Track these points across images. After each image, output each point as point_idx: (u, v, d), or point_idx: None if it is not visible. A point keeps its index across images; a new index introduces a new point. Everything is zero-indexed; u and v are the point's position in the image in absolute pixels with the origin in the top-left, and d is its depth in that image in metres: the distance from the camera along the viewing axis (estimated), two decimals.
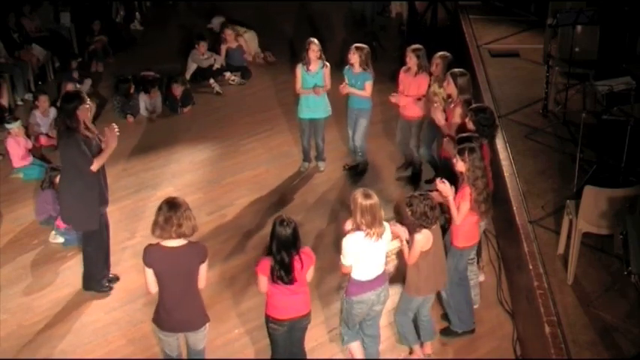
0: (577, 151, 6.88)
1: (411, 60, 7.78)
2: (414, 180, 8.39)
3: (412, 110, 7.92)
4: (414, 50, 7.79)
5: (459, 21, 12.07)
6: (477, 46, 10.89)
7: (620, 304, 5.61)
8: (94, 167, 6.21)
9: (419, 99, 7.79)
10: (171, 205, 4.87)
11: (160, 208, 4.88)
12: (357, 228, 5.16)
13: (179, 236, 4.87)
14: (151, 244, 4.95)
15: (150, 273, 4.95)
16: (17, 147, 8.81)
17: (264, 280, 5.10)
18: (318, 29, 12.86)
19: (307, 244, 7.03)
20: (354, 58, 8.00)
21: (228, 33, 11.54)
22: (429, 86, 7.72)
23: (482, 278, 6.69)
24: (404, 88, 7.92)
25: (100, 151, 6.28)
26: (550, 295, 5.67)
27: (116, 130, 6.33)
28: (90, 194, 6.32)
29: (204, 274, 5.04)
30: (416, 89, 7.80)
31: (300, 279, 5.10)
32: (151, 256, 4.91)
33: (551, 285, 5.80)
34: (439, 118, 6.86)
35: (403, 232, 5.45)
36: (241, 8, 13.96)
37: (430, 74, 7.72)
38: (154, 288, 5.01)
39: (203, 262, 4.99)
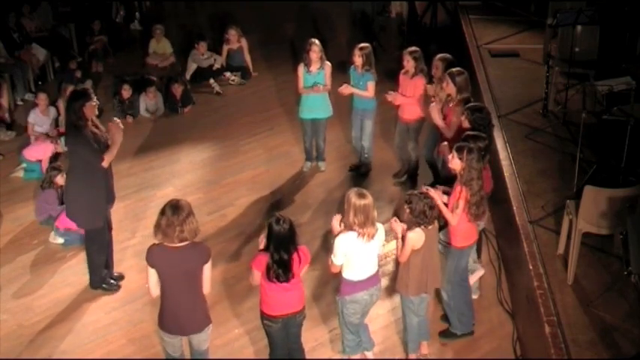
0: (577, 151, 6.88)
1: (408, 63, 7.75)
2: (412, 180, 8.37)
3: (410, 113, 7.91)
4: (410, 53, 7.76)
5: (459, 21, 12.07)
6: (476, 46, 10.88)
7: (620, 304, 5.61)
8: (105, 163, 6.27)
9: (419, 99, 7.76)
10: (175, 209, 4.84)
11: (162, 212, 4.86)
12: (350, 228, 5.15)
13: (181, 241, 4.87)
14: (154, 244, 4.94)
15: (153, 274, 4.93)
16: (45, 147, 8.92)
17: (258, 275, 5.12)
18: (318, 29, 12.84)
19: (308, 243, 7.04)
20: (357, 58, 8.00)
21: (232, 34, 11.45)
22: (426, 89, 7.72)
23: (482, 272, 6.65)
24: (402, 90, 7.91)
25: (108, 147, 6.31)
26: (550, 295, 5.66)
27: (119, 123, 6.38)
28: (97, 192, 6.35)
29: (208, 276, 5.02)
30: (412, 91, 7.79)
31: (296, 275, 5.12)
32: (154, 255, 4.90)
33: (551, 285, 5.80)
34: (436, 117, 6.87)
35: (400, 229, 5.43)
36: (242, 8, 13.95)
37: (431, 77, 7.70)
38: (155, 291, 4.99)
39: (206, 262, 4.97)
